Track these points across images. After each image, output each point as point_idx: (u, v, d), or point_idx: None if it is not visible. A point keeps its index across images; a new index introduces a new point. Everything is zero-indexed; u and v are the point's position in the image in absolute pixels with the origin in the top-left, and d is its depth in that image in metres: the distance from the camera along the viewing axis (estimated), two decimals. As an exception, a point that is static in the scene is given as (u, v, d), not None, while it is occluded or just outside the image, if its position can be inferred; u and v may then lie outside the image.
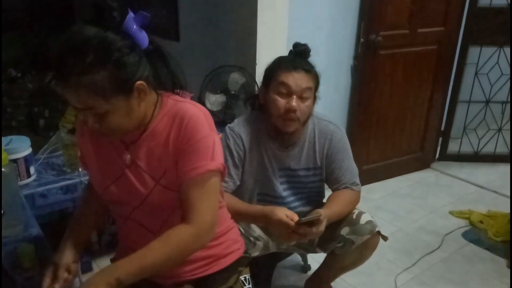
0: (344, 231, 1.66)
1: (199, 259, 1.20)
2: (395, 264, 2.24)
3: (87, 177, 1.85)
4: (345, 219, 1.67)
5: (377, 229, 1.67)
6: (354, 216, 1.68)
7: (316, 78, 1.61)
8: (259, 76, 2.38)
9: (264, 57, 2.36)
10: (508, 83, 3.29)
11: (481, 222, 2.59)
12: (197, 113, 1.08)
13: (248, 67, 2.35)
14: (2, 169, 1.33)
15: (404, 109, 3.01)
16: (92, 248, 2.23)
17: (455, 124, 3.32)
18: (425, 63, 2.95)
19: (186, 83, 1.15)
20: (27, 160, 1.73)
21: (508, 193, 2.95)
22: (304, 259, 2.20)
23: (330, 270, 1.86)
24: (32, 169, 1.77)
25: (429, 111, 3.12)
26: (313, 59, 1.66)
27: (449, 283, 2.14)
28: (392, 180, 3.12)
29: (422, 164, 3.29)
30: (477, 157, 3.42)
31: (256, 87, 2.30)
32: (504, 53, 3.16)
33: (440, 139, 3.36)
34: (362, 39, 2.65)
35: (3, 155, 1.34)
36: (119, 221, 1.24)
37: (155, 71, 1.05)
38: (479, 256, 2.34)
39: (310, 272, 2.17)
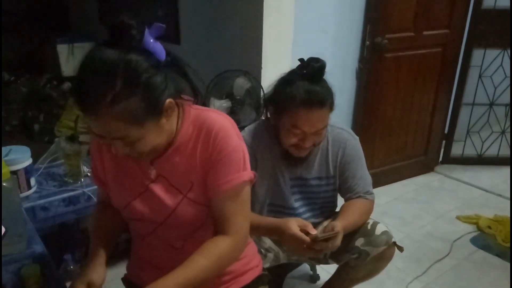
0: (359, 242, 1.61)
1: (219, 276, 1.14)
2: (405, 273, 2.20)
3: (90, 188, 1.78)
4: (360, 229, 1.62)
5: (393, 239, 1.62)
6: (369, 227, 1.62)
7: (331, 103, 1.51)
8: (264, 81, 2.33)
9: (269, 61, 2.31)
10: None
11: (489, 227, 2.55)
12: (225, 123, 1.04)
13: (253, 71, 2.29)
14: (4, 184, 1.26)
15: (408, 112, 2.97)
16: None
17: (458, 127, 3.29)
18: (429, 66, 2.91)
19: (202, 92, 1.09)
20: (28, 172, 1.66)
21: (514, 197, 2.93)
22: (313, 269, 2.14)
23: (342, 282, 1.80)
24: (32, 181, 1.70)
25: (433, 114, 3.09)
26: None
27: (462, 292, 2.10)
28: (396, 184, 3.07)
29: (426, 167, 3.26)
30: (480, 160, 3.39)
31: (261, 92, 2.23)
32: (508, 55, 3.13)
33: (444, 142, 3.32)
34: (367, 42, 2.60)
35: (5, 169, 1.27)
36: (138, 237, 1.18)
37: (175, 81, 0.99)
38: (490, 263, 2.30)
39: (319, 282, 2.12)
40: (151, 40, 0.94)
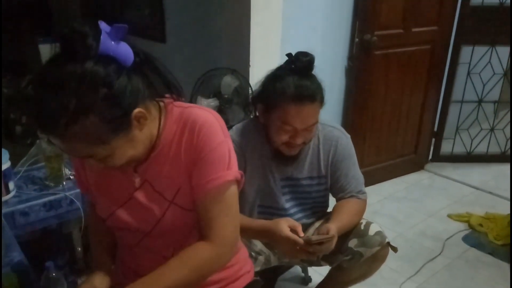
0: (352, 243, 1.56)
1: (209, 283, 1.08)
2: (398, 273, 2.16)
3: (72, 192, 1.71)
4: (353, 230, 1.57)
5: (386, 240, 1.58)
6: (362, 227, 1.58)
7: (321, 98, 1.46)
8: (253, 79, 2.27)
9: (257, 59, 2.26)
10: (500, 82, 3.26)
11: (481, 225, 2.53)
12: (209, 118, 0.96)
13: (240, 69, 2.23)
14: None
15: (398, 110, 2.94)
16: (77, 266, 2.08)
17: (447, 125, 3.27)
18: (419, 63, 2.88)
19: (181, 88, 1.01)
20: (6, 175, 1.58)
21: (504, 194, 2.92)
22: (305, 271, 2.10)
23: (335, 284, 1.76)
24: (11, 185, 1.62)
25: (423, 111, 3.06)
26: None
27: (456, 291, 2.07)
28: (387, 183, 3.04)
29: (416, 165, 3.24)
30: (470, 158, 3.38)
31: (250, 90, 2.18)
32: (496, 52, 3.13)
33: (433, 140, 3.30)
34: (356, 39, 2.56)
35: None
36: (124, 247, 1.12)
37: (149, 82, 0.90)
38: (482, 261, 2.28)
39: (311, 284, 2.07)
40: (112, 43, 0.82)
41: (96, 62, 0.80)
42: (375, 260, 1.60)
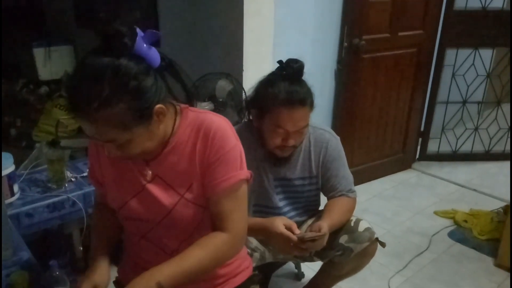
0: (343, 239, 1.65)
1: (210, 279, 1.17)
2: (387, 268, 2.26)
3: (74, 194, 1.78)
4: (343, 227, 1.66)
5: (375, 236, 1.67)
6: (352, 224, 1.67)
7: (311, 102, 1.55)
8: (246, 83, 2.35)
9: (250, 64, 2.34)
10: (484, 84, 3.38)
11: (466, 221, 2.64)
12: (223, 124, 1.07)
13: (234, 74, 2.31)
14: (-11, 191, 1.26)
15: (386, 111, 3.04)
16: (77, 265, 2.14)
17: (433, 125, 3.38)
18: (405, 66, 2.99)
19: (195, 95, 1.12)
20: (11, 178, 1.64)
21: (488, 191, 3.03)
22: (298, 267, 2.18)
23: (327, 278, 1.85)
24: (15, 187, 1.68)
25: (410, 112, 3.17)
26: None
27: (441, 284, 2.17)
28: (376, 181, 3.14)
29: (404, 165, 3.34)
30: (455, 156, 3.50)
31: (243, 94, 2.26)
32: (479, 55, 3.24)
33: (420, 139, 3.41)
34: (345, 43, 2.65)
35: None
36: (133, 239, 1.19)
37: (168, 86, 1.02)
38: (467, 255, 2.38)
39: (304, 280, 2.15)
40: (144, 46, 0.95)
41: (130, 59, 0.92)
42: (365, 255, 1.69)
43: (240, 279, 1.23)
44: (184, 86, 1.07)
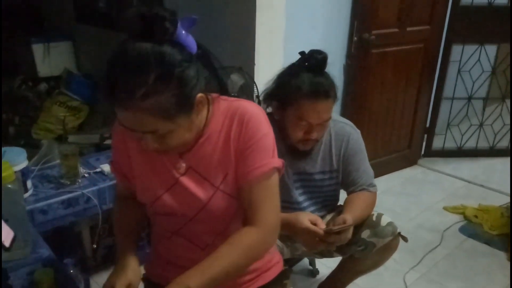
0: (365, 234, 1.62)
1: (243, 274, 1.13)
2: (401, 264, 2.24)
3: (88, 189, 1.73)
4: (365, 221, 1.64)
5: (398, 230, 1.65)
6: (374, 218, 1.65)
7: (334, 94, 1.53)
8: (258, 77, 2.32)
9: (262, 58, 2.30)
10: (489, 80, 3.38)
11: (476, 216, 2.63)
12: (256, 111, 1.03)
13: (245, 67, 2.27)
14: (9, 186, 1.21)
15: (393, 107, 3.02)
16: (87, 263, 2.09)
17: (439, 121, 3.38)
18: (412, 61, 2.97)
19: (227, 84, 1.08)
20: (24, 174, 1.59)
21: (495, 187, 3.03)
22: (313, 264, 2.15)
23: (346, 274, 1.82)
24: (29, 183, 1.63)
25: (416, 108, 3.16)
26: None
27: (456, 279, 2.15)
28: (383, 178, 3.12)
29: (410, 161, 3.33)
30: (460, 152, 3.50)
31: (255, 88, 2.23)
32: (485, 51, 3.24)
33: (425, 135, 3.40)
34: (355, 38, 2.63)
35: (10, 170, 1.22)
36: (164, 235, 1.14)
37: (205, 76, 0.98)
38: (480, 250, 2.38)
39: (319, 276, 2.13)
40: (183, 33, 0.92)
41: (173, 46, 0.87)
42: (387, 250, 1.67)
43: (273, 273, 1.20)
44: (218, 76, 1.03)
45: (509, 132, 3.46)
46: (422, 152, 3.44)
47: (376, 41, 2.67)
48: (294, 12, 2.35)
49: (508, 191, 2.92)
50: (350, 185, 1.69)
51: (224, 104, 1.05)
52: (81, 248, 2.03)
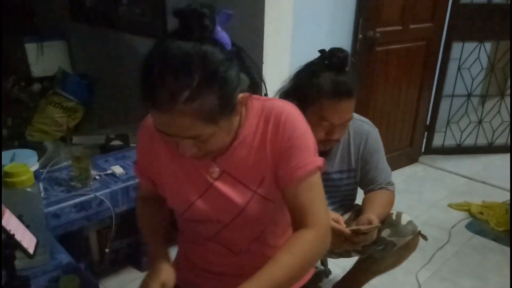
0: (385, 233, 1.60)
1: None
2: (412, 262, 2.20)
3: (101, 192, 1.68)
4: (385, 220, 1.61)
5: (418, 229, 1.63)
6: (394, 217, 1.63)
7: (357, 92, 1.50)
8: (266, 76, 2.28)
9: (270, 56, 2.27)
10: (488, 77, 3.40)
11: (481, 213, 2.64)
12: (292, 109, 0.99)
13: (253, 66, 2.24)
14: (28, 189, 1.16)
15: (396, 105, 3.02)
16: (95, 268, 2.04)
17: (439, 118, 3.39)
18: (415, 59, 2.97)
19: (259, 84, 1.03)
20: (36, 176, 1.52)
21: (496, 183, 3.05)
22: (325, 264, 2.13)
23: (364, 273, 1.80)
24: (40, 186, 1.57)
25: (418, 106, 3.16)
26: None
27: (468, 277, 2.15)
28: (386, 176, 3.12)
29: (411, 159, 3.34)
30: (459, 150, 3.51)
31: (264, 87, 2.19)
32: (485, 48, 3.26)
33: (425, 133, 3.41)
34: (360, 36, 2.62)
35: (29, 173, 1.16)
36: (197, 241, 1.10)
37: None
38: (488, 247, 2.39)
39: (332, 277, 2.10)
40: (219, 29, 0.87)
41: (214, 44, 0.83)
42: (407, 249, 1.65)
43: (307, 276, 1.17)
44: (251, 74, 0.97)
45: (508, 128, 3.50)
46: (422, 150, 3.45)
47: (380, 39, 2.66)
48: (301, 11, 2.32)
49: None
50: (369, 184, 1.67)
51: (257, 104, 1.00)
52: (89, 252, 1.98)
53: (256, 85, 0.99)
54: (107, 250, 1.86)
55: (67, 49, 3.74)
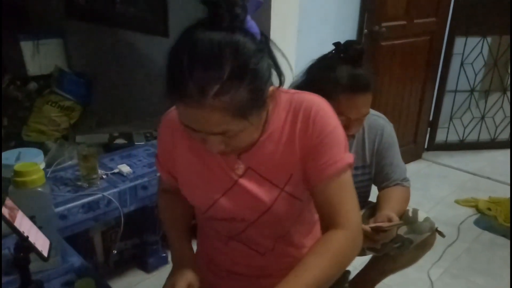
0: (402, 230, 1.57)
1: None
2: (423, 259, 2.13)
3: (109, 192, 1.62)
4: (402, 217, 1.57)
5: (436, 226, 1.60)
6: (411, 214, 1.59)
7: (374, 86, 1.46)
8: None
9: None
10: (491, 73, 3.38)
11: (489, 209, 2.61)
12: (323, 103, 0.94)
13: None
14: (40, 189, 1.10)
15: (400, 100, 2.99)
16: (99, 270, 1.98)
17: (441, 114, 3.36)
18: (419, 54, 2.95)
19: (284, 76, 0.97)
20: (42, 177, 1.47)
21: (502, 179, 3.04)
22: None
23: (379, 272, 1.76)
24: (47, 187, 1.51)
25: (422, 101, 3.13)
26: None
27: (480, 274, 2.13)
28: (391, 173, 3.09)
29: (415, 155, 3.31)
30: (462, 145, 3.49)
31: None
32: (488, 43, 3.24)
33: (428, 129, 3.38)
34: (365, 30, 2.58)
35: (40, 173, 1.11)
36: (220, 241, 1.05)
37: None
38: (498, 243, 2.36)
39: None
40: (249, 18, 0.82)
41: (245, 34, 0.78)
42: (424, 247, 1.62)
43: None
44: (278, 67, 0.91)
45: (509, 124, 3.48)
46: (425, 146, 3.42)
47: (385, 34, 2.63)
48: (307, 6, 2.28)
49: (516, 183, 2.93)
50: (383, 181, 1.63)
51: (285, 97, 0.95)
52: (94, 254, 1.92)
53: (283, 78, 0.94)
54: (114, 251, 1.80)
55: (63, 47, 3.66)
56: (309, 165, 0.92)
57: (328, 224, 0.92)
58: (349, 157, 0.93)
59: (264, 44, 0.85)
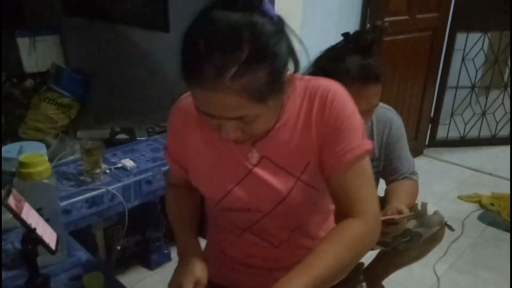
0: (411, 224, 1.55)
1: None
2: (428, 255, 2.15)
3: (113, 186, 1.59)
4: (410, 211, 1.55)
5: (445, 219, 1.58)
6: (419, 207, 1.57)
7: (384, 77, 1.44)
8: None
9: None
10: (491, 69, 3.37)
11: (492, 204, 2.61)
12: (339, 88, 0.91)
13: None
14: (46, 181, 1.07)
15: (402, 96, 2.98)
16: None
17: (442, 110, 3.35)
18: (421, 49, 2.93)
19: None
20: (45, 171, 1.43)
21: (503, 175, 3.03)
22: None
23: (386, 266, 1.74)
24: (51, 180, 1.47)
25: (423, 97, 3.12)
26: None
27: (486, 269, 2.11)
28: (392, 169, 3.07)
29: (416, 151, 3.29)
30: (463, 142, 3.49)
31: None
32: (489, 39, 3.24)
33: (429, 125, 3.37)
34: (368, 25, 2.56)
35: (46, 164, 1.07)
36: (232, 233, 1.02)
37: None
38: (502, 238, 2.35)
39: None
40: (266, 1, 0.78)
41: (263, 15, 0.75)
42: (434, 240, 1.60)
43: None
44: (293, 52, 0.87)
45: (510, 121, 3.48)
46: (426, 142, 3.41)
47: (388, 28, 2.60)
48: (310, 0, 2.26)
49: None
50: (392, 174, 1.61)
51: (301, 83, 0.92)
52: (96, 250, 1.89)
53: (298, 64, 0.91)
54: (118, 247, 1.77)
55: (60, 43, 3.62)
56: (326, 152, 0.89)
57: (344, 212, 0.89)
58: (368, 143, 0.90)
59: (282, 26, 0.82)
